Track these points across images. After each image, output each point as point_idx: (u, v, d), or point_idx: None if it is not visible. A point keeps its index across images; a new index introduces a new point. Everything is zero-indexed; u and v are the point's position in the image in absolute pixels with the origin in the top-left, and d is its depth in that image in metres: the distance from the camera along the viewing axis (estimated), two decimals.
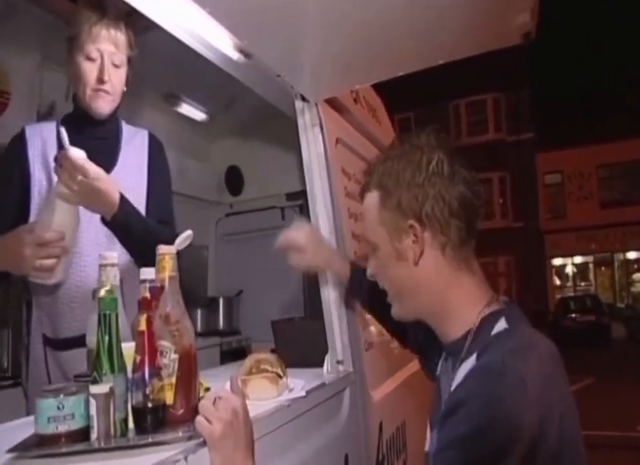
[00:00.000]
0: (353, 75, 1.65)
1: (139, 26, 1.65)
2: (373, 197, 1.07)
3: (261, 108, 2.23)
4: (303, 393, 1.22)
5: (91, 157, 1.41)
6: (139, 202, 1.65)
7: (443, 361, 1.12)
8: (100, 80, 1.56)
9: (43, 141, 1.62)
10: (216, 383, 1.22)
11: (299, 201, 3.32)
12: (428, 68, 1.58)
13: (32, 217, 1.52)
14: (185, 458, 0.81)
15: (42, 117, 2.43)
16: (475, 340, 0.97)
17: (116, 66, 1.60)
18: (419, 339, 1.27)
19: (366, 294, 1.43)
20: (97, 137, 1.65)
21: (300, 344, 1.71)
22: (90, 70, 1.56)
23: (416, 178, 0.99)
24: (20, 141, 1.62)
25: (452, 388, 0.96)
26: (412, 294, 1.06)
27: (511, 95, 19.36)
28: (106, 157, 1.63)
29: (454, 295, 1.02)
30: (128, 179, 1.66)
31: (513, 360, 0.87)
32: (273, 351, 2.18)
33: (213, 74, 1.80)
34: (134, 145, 1.76)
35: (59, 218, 1.33)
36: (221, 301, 3.63)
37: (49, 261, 1.31)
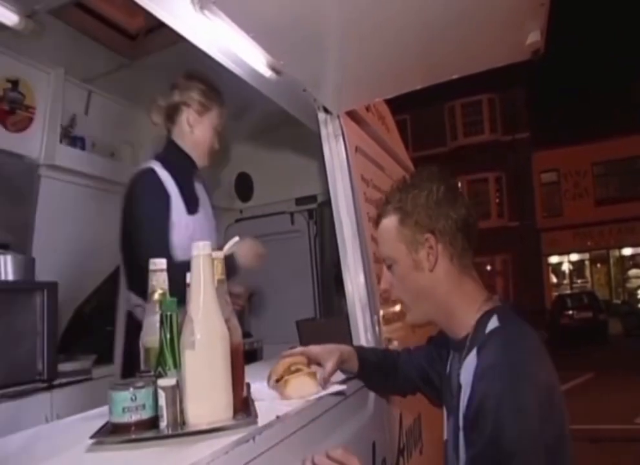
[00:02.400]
0: (373, 89, 1.77)
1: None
2: (391, 220, 1.30)
3: (271, 116, 2.33)
4: (344, 387, 1.32)
5: (186, 200, 2.00)
6: (214, 239, 2.10)
7: (452, 357, 1.34)
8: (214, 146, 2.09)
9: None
10: None
11: (308, 206, 3.40)
12: None
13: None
14: (254, 439, 0.91)
15: (65, 129, 2.52)
16: (473, 337, 1.20)
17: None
18: (415, 380, 1.52)
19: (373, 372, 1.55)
20: (187, 185, 2.07)
21: (325, 342, 1.80)
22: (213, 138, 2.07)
23: (429, 202, 1.25)
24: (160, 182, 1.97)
25: (461, 380, 1.18)
26: (426, 297, 1.29)
27: (506, 96, 19.49)
28: (193, 201, 2.08)
29: (459, 295, 1.26)
30: (205, 220, 2.13)
31: (511, 354, 1.10)
32: (292, 348, 2.29)
33: (226, 85, 1.91)
34: (202, 192, 2.17)
35: None
36: None
37: None
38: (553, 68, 20.90)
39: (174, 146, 2.08)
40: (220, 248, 1.26)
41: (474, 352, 1.15)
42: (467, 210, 1.27)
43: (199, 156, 2.10)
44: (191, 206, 2.09)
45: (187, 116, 2.03)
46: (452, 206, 1.25)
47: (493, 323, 1.18)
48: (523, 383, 1.05)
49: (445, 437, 1.32)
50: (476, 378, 1.11)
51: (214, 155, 2.15)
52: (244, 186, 3.62)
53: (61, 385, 2.04)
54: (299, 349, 1.51)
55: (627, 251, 21.38)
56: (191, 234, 2.03)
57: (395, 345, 1.98)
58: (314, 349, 1.48)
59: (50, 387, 1.99)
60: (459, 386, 1.19)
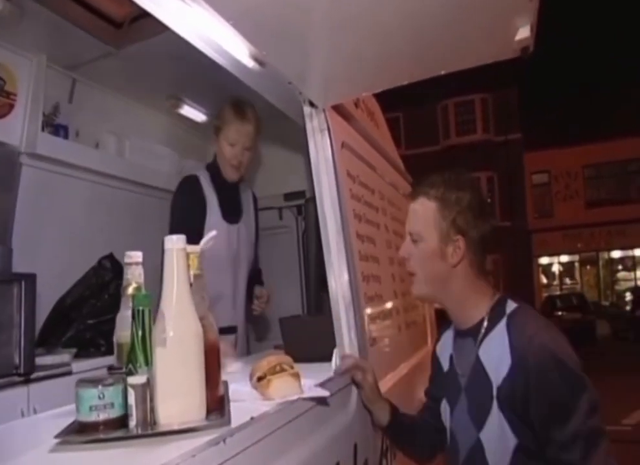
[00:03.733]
0: (360, 83, 1.73)
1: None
2: (432, 205, 1.39)
3: (260, 110, 2.30)
4: (327, 393, 1.28)
5: (225, 209, 2.36)
6: (250, 252, 2.51)
7: (458, 340, 1.46)
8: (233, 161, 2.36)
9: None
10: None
11: (297, 202, 3.37)
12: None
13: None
14: (224, 441, 0.88)
15: (47, 117, 2.47)
16: (491, 319, 1.34)
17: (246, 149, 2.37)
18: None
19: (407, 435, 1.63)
20: (229, 195, 2.42)
21: (308, 340, 1.78)
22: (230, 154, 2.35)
23: (471, 209, 1.36)
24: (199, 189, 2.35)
25: (481, 357, 1.33)
26: (441, 285, 1.40)
27: (499, 96, 19.52)
28: (234, 212, 2.43)
29: (472, 293, 1.39)
30: (245, 233, 2.45)
31: (541, 326, 1.29)
32: (276, 347, 2.26)
33: (214, 77, 1.88)
34: (248, 204, 2.55)
35: None
36: None
37: None
38: (546, 69, 21.01)
39: (214, 160, 2.45)
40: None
41: (498, 329, 1.30)
42: (491, 225, 1.39)
43: (225, 171, 2.39)
44: (231, 215, 2.42)
45: (214, 135, 2.41)
46: (485, 220, 1.38)
47: (510, 305, 1.34)
48: (564, 341, 1.27)
49: (448, 424, 1.46)
50: (516, 351, 1.23)
51: (240, 169, 2.41)
52: None
53: (38, 379, 1.99)
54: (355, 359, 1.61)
55: (616, 254, 21.53)
56: (229, 242, 2.36)
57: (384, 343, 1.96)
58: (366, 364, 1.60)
59: (27, 381, 1.95)
60: (480, 365, 1.32)
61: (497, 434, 1.27)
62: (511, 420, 1.25)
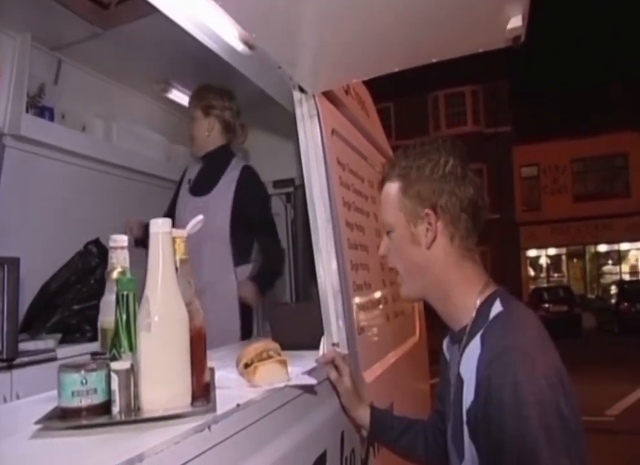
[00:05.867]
0: (350, 69, 1.71)
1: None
2: (394, 186, 1.22)
3: (251, 96, 2.27)
4: (314, 381, 1.27)
5: (195, 182, 2.59)
6: (224, 224, 2.41)
7: (449, 346, 1.28)
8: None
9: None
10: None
11: (286, 190, 3.35)
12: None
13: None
14: (209, 428, 0.86)
15: (32, 98, 2.42)
16: (475, 323, 1.12)
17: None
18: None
19: (397, 434, 1.47)
20: (201, 169, 2.63)
21: (296, 328, 1.77)
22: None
23: (434, 174, 1.16)
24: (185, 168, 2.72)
25: (461, 371, 1.11)
26: (421, 275, 1.21)
27: (490, 88, 19.58)
28: (205, 184, 2.53)
29: (456, 278, 1.18)
30: (216, 205, 2.44)
31: (519, 339, 1.03)
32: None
33: (203, 61, 1.85)
34: (228, 179, 2.50)
35: None
36: None
37: None
38: (536, 63, 21.03)
39: None
40: None
41: (476, 339, 1.08)
42: (475, 190, 1.18)
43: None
44: (200, 189, 2.53)
45: None
46: (459, 183, 1.16)
47: (496, 307, 1.11)
48: (536, 368, 0.98)
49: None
50: (481, 368, 1.03)
51: (193, 142, 2.61)
52: None
53: (22, 365, 1.97)
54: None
55: (602, 247, 21.77)
56: (193, 215, 2.17)
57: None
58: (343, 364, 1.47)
59: (10, 367, 1.92)
60: (460, 379, 1.11)
61: None
62: (479, 453, 1.04)
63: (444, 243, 1.17)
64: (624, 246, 21.42)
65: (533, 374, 0.97)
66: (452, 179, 1.16)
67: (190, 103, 2.62)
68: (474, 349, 1.07)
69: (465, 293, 1.17)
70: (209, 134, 2.55)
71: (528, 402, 0.95)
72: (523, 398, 0.95)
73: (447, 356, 1.30)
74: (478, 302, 1.14)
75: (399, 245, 1.23)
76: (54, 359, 2.09)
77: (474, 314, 1.13)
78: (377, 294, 2.20)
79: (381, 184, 1.28)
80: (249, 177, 2.52)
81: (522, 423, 0.94)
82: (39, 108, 2.42)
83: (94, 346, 1.16)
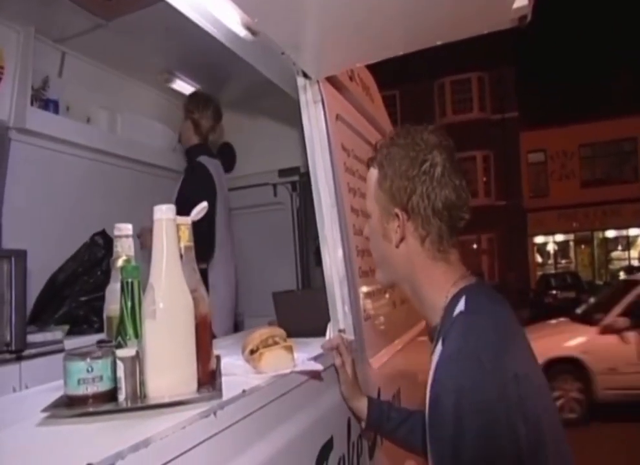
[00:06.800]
0: (354, 53, 1.69)
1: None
2: (373, 174, 1.18)
3: (255, 85, 2.26)
4: (321, 367, 1.27)
5: None
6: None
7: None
8: None
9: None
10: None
11: (292, 178, 3.34)
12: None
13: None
14: (215, 414, 0.86)
15: (36, 91, 2.42)
16: (443, 323, 1.07)
17: None
18: None
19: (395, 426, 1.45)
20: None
21: (302, 314, 1.77)
22: None
23: (409, 172, 1.09)
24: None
25: (430, 373, 1.04)
26: (390, 268, 1.20)
27: (496, 74, 19.43)
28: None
29: (424, 279, 1.14)
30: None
31: (473, 342, 0.97)
32: (270, 324, 2.25)
33: (207, 50, 1.84)
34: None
35: None
36: None
37: None
38: (543, 48, 20.82)
39: None
40: None
41: (440, 340, 1.03)
42: (452, 191, 1.09)
43: None
44: None
45: None
46: (434, 184, 1.08)
47: (460, 306, 1.04)
48: (486, 375, 0.91)
49: None
50: (436, 370, 0.98)
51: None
52: (227, 157, 3.54)
53: (30, 357, 1.98)
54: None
55: (610, 233, 21.63)
56: None
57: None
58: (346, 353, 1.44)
59: (19, 358, 1.94)
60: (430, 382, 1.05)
61: None
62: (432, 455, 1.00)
63: (413, 244, 1.13)
64: (632, 231, 21.28)
65: (480, 382, 0.91)
66: (427, 179, 1.08)
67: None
68: (437, 350, 1.02)
69: (433, 293, 1.12)
70: (186, 134, 2.88)
71: (468, 411, 0.90)
72: (465, 406, 0.90)
73: None
74: (445, 302, 1.09)
75: (372, 235, 1.22)
76: (62, 350, 2.10)
77: (442, 313, 1.09)
78: None
79: (367, 167, 1.24)
80: (193, 170, 2.76)
81: (459, 433, 0.91)
82: (44, 100, 2.42)
83: (102, 337, 1.16)
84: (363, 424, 1.51)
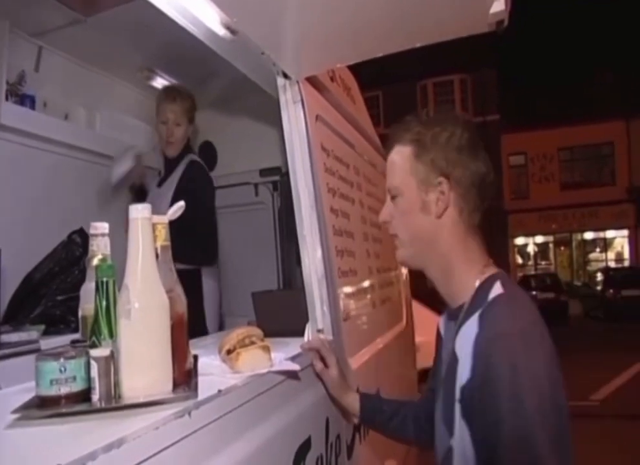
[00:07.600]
0: (334, 54, 1.70)
1: None
2: (406, 149, 1.18)
3: (236, 83, 2.25)
4: (298, 367, 1.27)
5: (167, 174, 2.73)
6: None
7: (446, 322, 1.26)
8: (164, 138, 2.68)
9: None
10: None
11: (273, 178, 3.33)
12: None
13: None
14: (189, 414, 0.86)
15: (12, 86, 2.37)
16: (473, 303, 1.10)
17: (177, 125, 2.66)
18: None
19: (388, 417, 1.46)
20: (168, 169, 2.74)
21: (281, 314, 1.77)
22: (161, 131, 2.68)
23: (450, 144, 1.14)
24: None
25: (457, 350, 1.09)
26: (426, 244, 1.18)
27: (478, 77, 19.57)
28: (166, 177, 2.73)
29: (460, 254, 1.16)
30: (162, 195, 2.58)
31: (520, 322, 1.04)
32: (250, 323, 2.24)
33: (187, 48, 1.82)
34: (175, 173, 2.68)
35: None
36: None
37: None
38: (525, 51, 21.04)
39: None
40: None
41: (474, 318, 1.07)
42: (486, 167, 1.16)
43: (163, 147, 2.73)
44: (161, 181, 2.73)
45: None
46: (473, 157, 1.14)
47: (497, 289, 1.09)
48: (535, 351, 1.00)
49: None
50: (478, 347, 1.02)
51: (176, 144, 2.68)
52: (208, 155, 3.51)
53: (4, 357, 1.95)
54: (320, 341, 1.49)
55: (589, 235, 21.97)
56: (151, 203, 2.26)
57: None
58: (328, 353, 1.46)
59: None
60: (455, 356, 1.09)
61: (462, 447, 1.06)
62: (472, 431, 1.04)
63: (453, 214, 1.15)
64: (609, 233, 21.63)
65: (531, 359, 0.98)
66: (466, 152, 1.14)
67: (181, 109, 2.76)
68: (471, 327, 1.06)
69: (466, 271, 1.15)
70: (187, 135, 2.80)
71: (525, 386, 0.96)
72: (521, 381, 0.96)
73: (442, 332, 1.28)
74: (478, 282, 1.13)
75: (406, 211, 1.19)
76: (38, 350, 2.07)
77: (473, 293, 1.12)
78: (364, 281, 2.20)
79: (387, 145, 1.25)
80: (191, 172, 2.69)
81: (519, 405, 0.95)
82: (20, 96, 2.37)
83: (79, 337, 1.15)
84: (356, 419, 1.53)
